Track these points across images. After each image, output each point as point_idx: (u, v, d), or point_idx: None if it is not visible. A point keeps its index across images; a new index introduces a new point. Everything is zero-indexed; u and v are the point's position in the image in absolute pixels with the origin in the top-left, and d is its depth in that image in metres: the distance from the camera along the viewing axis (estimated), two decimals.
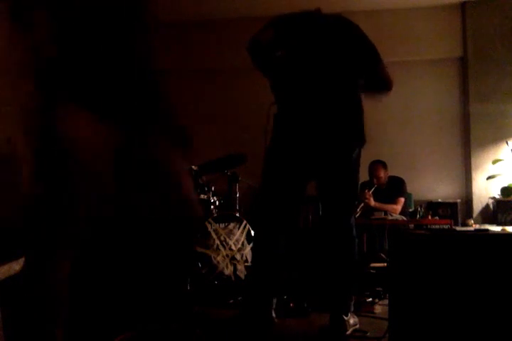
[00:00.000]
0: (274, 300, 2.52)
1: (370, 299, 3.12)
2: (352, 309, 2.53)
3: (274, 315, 2.50)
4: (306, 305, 2.91)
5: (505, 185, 5.06)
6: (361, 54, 2.50)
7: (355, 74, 2.51)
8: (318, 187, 2.58)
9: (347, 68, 2.49)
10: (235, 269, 3.55)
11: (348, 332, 2.41)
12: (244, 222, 3.75)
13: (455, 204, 5.13)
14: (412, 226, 4.01)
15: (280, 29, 2.53)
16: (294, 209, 2.62)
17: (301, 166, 2.52)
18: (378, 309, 2.94)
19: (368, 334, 2.44)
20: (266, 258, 2.54)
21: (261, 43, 2.52)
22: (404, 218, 4.28)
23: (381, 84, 2.57)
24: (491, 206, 5.21)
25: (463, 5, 5.45)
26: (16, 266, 1.68)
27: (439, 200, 5.22)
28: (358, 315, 2.59)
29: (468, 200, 5.37)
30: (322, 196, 2.59)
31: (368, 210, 4.25)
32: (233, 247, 3.61)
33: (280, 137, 2.54)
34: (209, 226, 3.56)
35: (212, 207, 3.70)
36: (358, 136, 2.53)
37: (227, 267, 3.50)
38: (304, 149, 2.48)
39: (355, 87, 2.52)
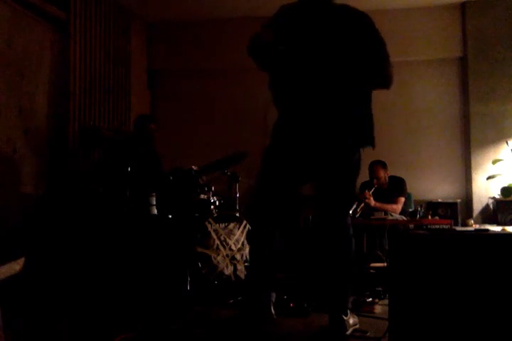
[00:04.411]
0: (273, 295, 2.51)
1: (370, 299, 3.11)
2: (351, 308, 2.53)
3: (273, 311, 2.50)
4: (306, 305, 2.91)
5: (505, 185, 5.06)
6: (369, 45, 2.41)
7: (361, 71, 2.41)
8: (315, 186, 2.56)
9: (353, 63, 2.40)
10: (235, 269, 3.55)
11: (348, 332, 2.40)
12: (244, 222, 3.75)
13: (455, 204, 5.13)
14: (412, 226, 4.00)
15: (280, 26, 2.46)
16: (290, 206, 2.61)
17: (299, 165, 2.50)
18: (378, 309, 2.94)
19: (368, 334, 2.44)
20: (261, 253, 2.54)
21: (261, 43, 2.44)
22: (404, 218, 4.28)
23: (382, 79, 2.48)
24: (491, 206, 5.21)
25: (463, 5, 5.44)
26: (16, 266, 1.68)
27: (439, 200, 5.22)
28: (358, 315, 2.59)
29: (468, 200, 5.37)
30: (319, 195, 2.57)
31: (368, 210, 4.25)
32: (233, 247, 3.60)
33: (280, 136, 2.52)
34: (209, 226, 3.55)
35: (212, 207, 3.69)
36: (361, 138, 2.49)
37: (227, 267, 3.50)
38: (303, 148, 2.46)
39: (362, 86, 2.45)
